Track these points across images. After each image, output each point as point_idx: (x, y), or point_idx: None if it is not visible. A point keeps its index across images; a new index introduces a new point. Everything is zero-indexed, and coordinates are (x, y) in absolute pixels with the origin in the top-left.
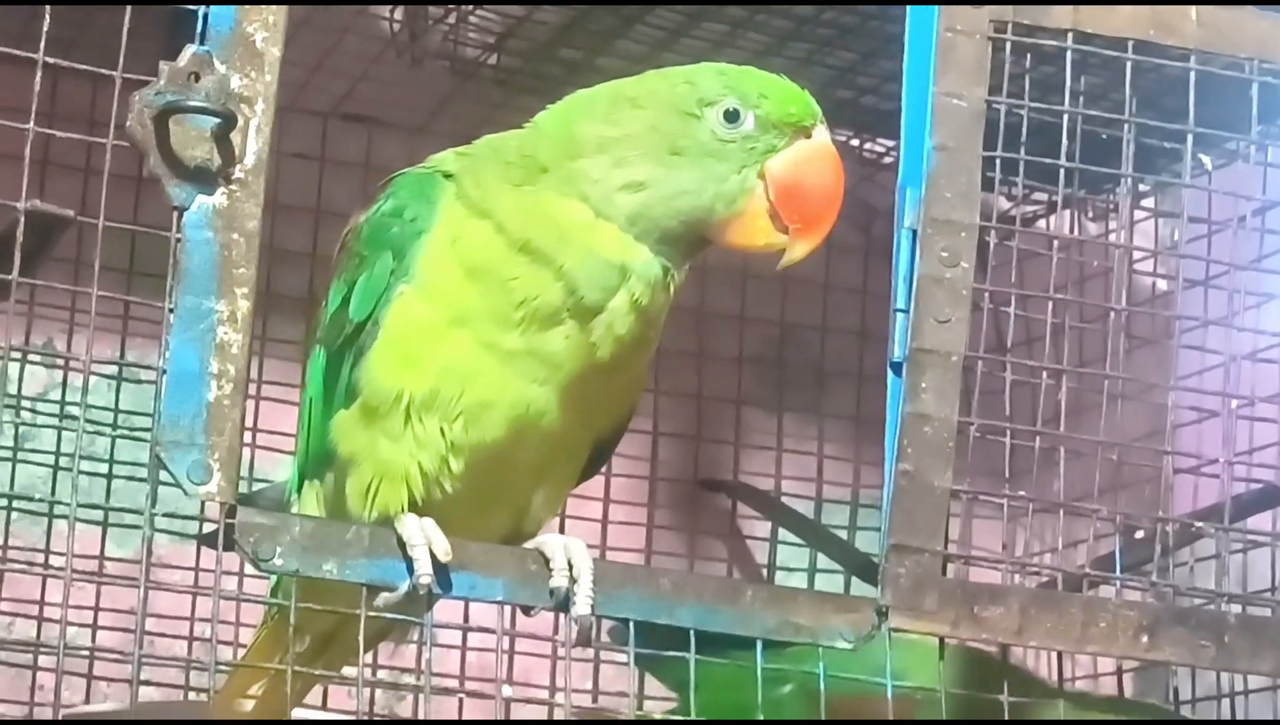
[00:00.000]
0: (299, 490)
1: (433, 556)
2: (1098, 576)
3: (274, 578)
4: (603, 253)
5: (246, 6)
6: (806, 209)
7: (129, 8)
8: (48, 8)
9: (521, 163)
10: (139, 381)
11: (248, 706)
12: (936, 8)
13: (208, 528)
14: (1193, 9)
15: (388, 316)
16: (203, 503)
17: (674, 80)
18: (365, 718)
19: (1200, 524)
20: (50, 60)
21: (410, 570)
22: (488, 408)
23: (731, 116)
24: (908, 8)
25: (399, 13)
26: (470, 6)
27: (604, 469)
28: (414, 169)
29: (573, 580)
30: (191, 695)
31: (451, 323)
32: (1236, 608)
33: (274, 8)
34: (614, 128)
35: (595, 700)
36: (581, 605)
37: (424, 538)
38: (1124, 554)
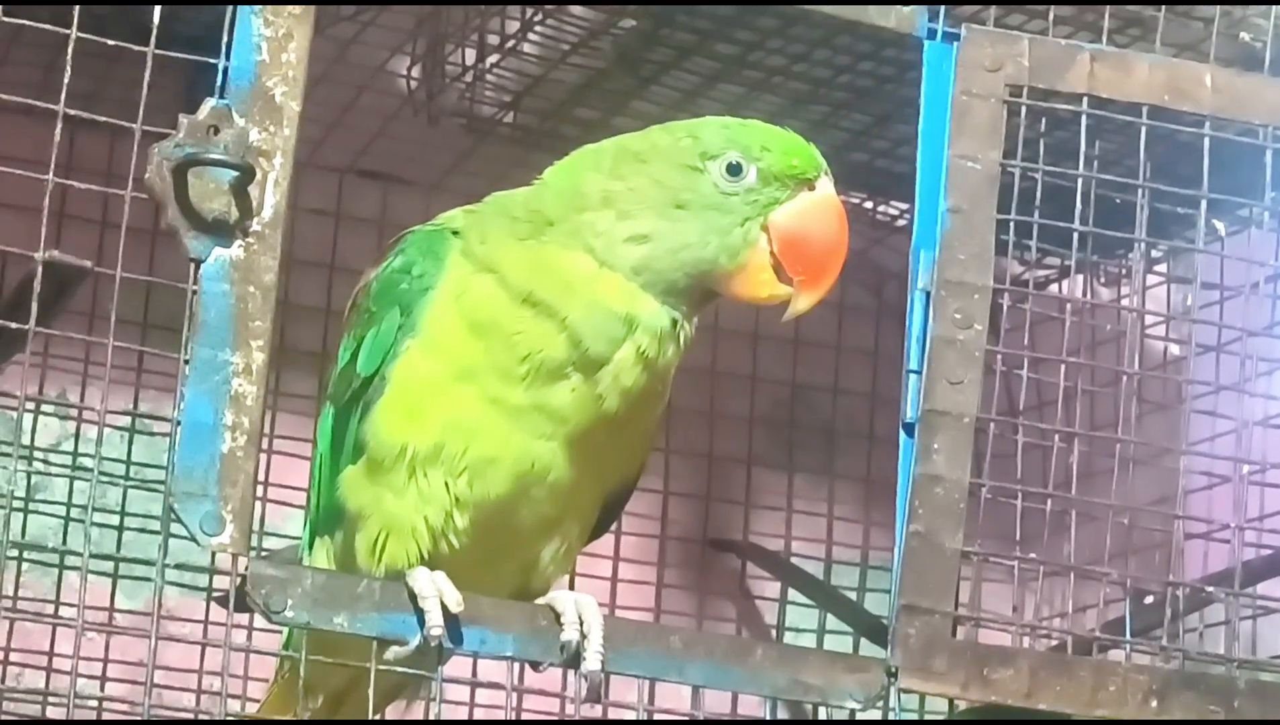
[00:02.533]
0: (310, 548)
1: (444, 609)
2: (1108, 640)
3: (287, 631)
4: (608, 303)
5: (266, 61)
6: (810, 261)
7: (150, 59)
8: (69, 60)
9: (528, 218)
10: (151, 433)
11: None
12: (953, 69)
13: (219, 582)
14: (1208, 75)
15: (394, 371)
16: (213, 554)
17: (677, 134)
18: None
19: (1211, 589)
20: (71, 112)
21: (421, 623)
22: (492, 463)
23: (734, 170)
24: (924, 68)
25: (416, 70)
26: (487, 65)
27: (614, 527)
28: (424, 226)
29: (583, 635)
30: None
31: (457, 378)
32: (1247, 673)
33: (294, 61)
34: (619, 182)
35: None
36: (592, 660)
37: (435, 590)
38: (1134, 618)
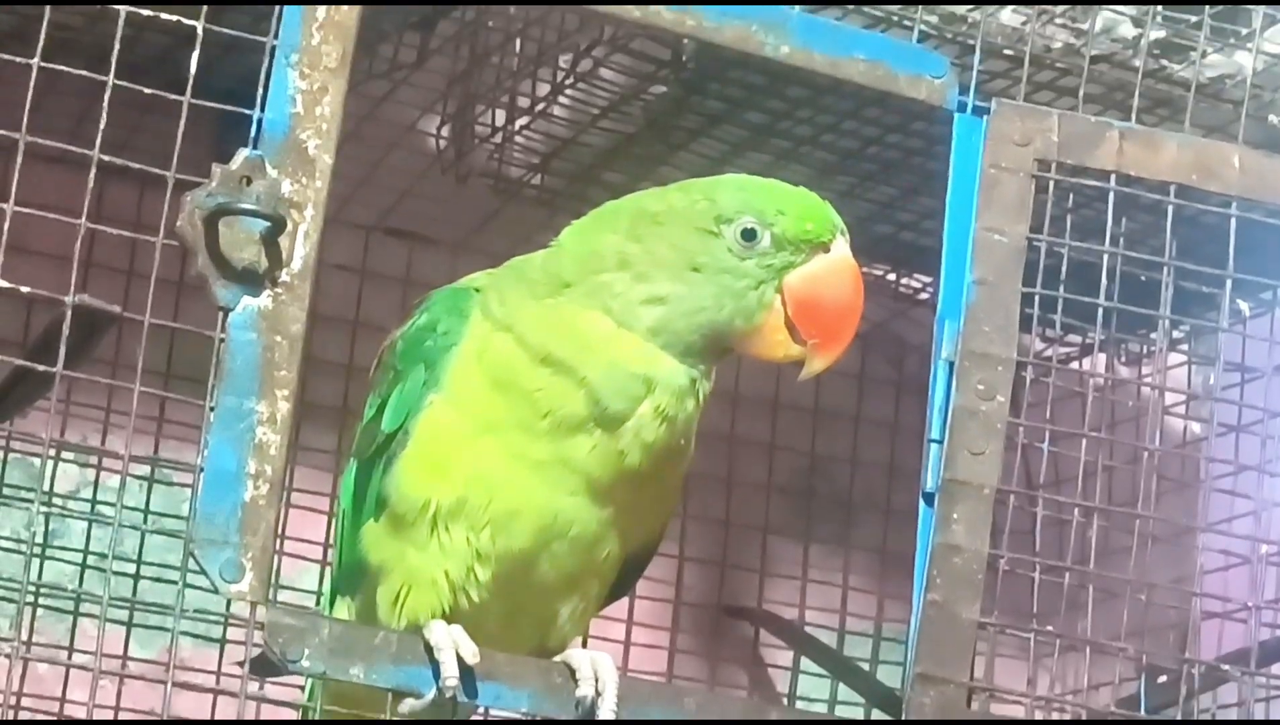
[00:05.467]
0: (331, 607)
1: (460, 663)
2: (1122, 717)
3: (310, 683)
4: (626, 364)
5: (300, 114)
6: (824, 323)
7: (185, 108)
8: (105, 107)
9: (545, 279)
10: (170, 483)
11: None
12: (982, 142)
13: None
14: (1236, 155)
15: (418, 425)
16: (228, 602)
17: (693, 196)
18: None
19: (1226, 668)
20: (105, 158)
21: (437, 676)
22: (515, 517)
23: (749, 235)
24: (954, 140)
25: (446, 130)
26: (516, 126)
27: (629, 591)
28: (449, 287)
29: (598, 693)
30: None
31: (479, 432)
32: None
33: (328, 115)
34: (635, 244)
35: None
36: (605, 714)
37: (451, 641)
38: (1148, 696)
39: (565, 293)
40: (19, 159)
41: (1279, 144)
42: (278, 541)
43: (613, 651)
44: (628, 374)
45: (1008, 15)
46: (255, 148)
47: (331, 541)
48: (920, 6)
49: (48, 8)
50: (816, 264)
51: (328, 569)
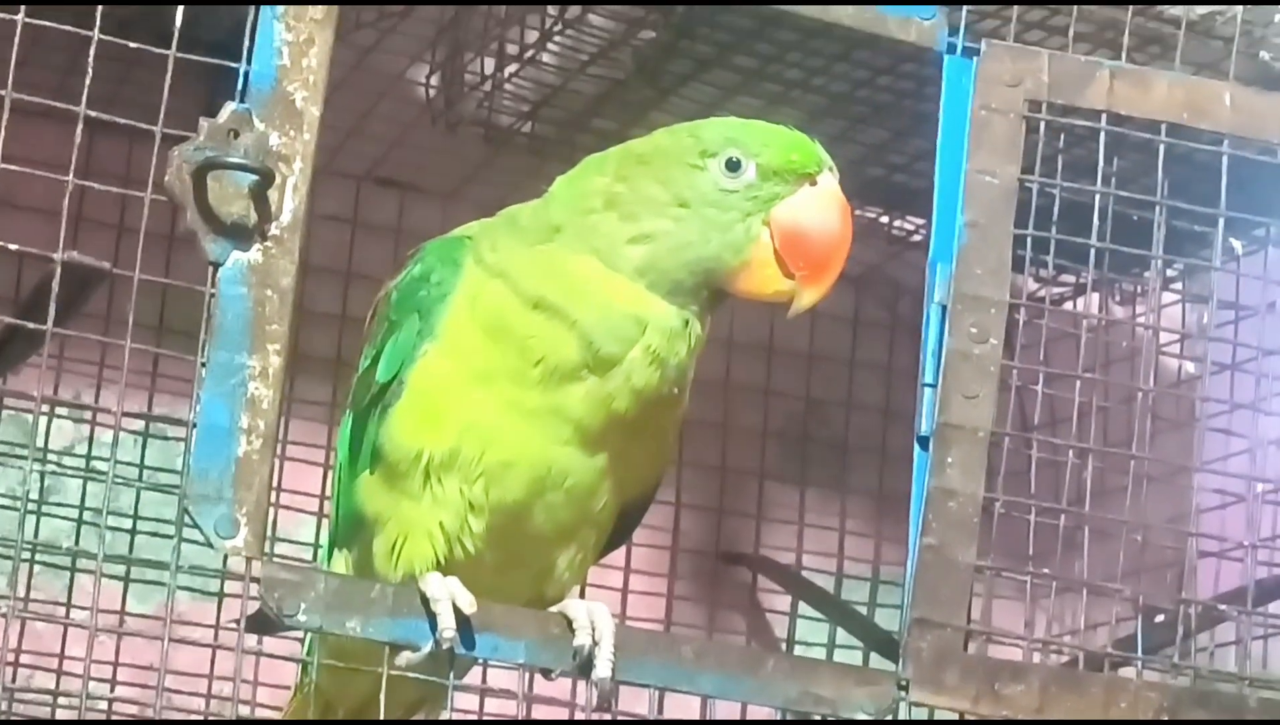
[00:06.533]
0: (329, 561)
1: (457, 615)
2: (1119, 657)
3: (308, 640)
4: (618, 305)
5: (287, 66)
6: (811, 255)
7: (171, 62)
8: (90, 62)
9: (536, 226)
10: (165, 438)
11: None
12: (972, 83)
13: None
14: (1227, 93)
15: (412, 375)
16: (225, 557)
17: (678, 135)
18: None
19: (1223, 607)
20: (91, 114)
21: (434, 629)
22: (509, 467)
23: (733, 166)
24: (944, 82)
25: (435, 79)
26: (506, 74)
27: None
28: (442, 237)
29: (595, 642)
30: None
31: (473, 381)
32: (1258, 692)
33: (315, 66)
34: (622, 184)
35: None
36: (602, 667)
37: (448, 594)
38: (1146, 636)
39: (556, 238)
40: (5, 115)
41: (1270, 81)
42: (274, 494)
43: (610, 599)
44: (620, 315)
45: None
46: (242, 101)
47: (328, 494)
48: None
49: None
50: (803, 195)
51: (324, 521)
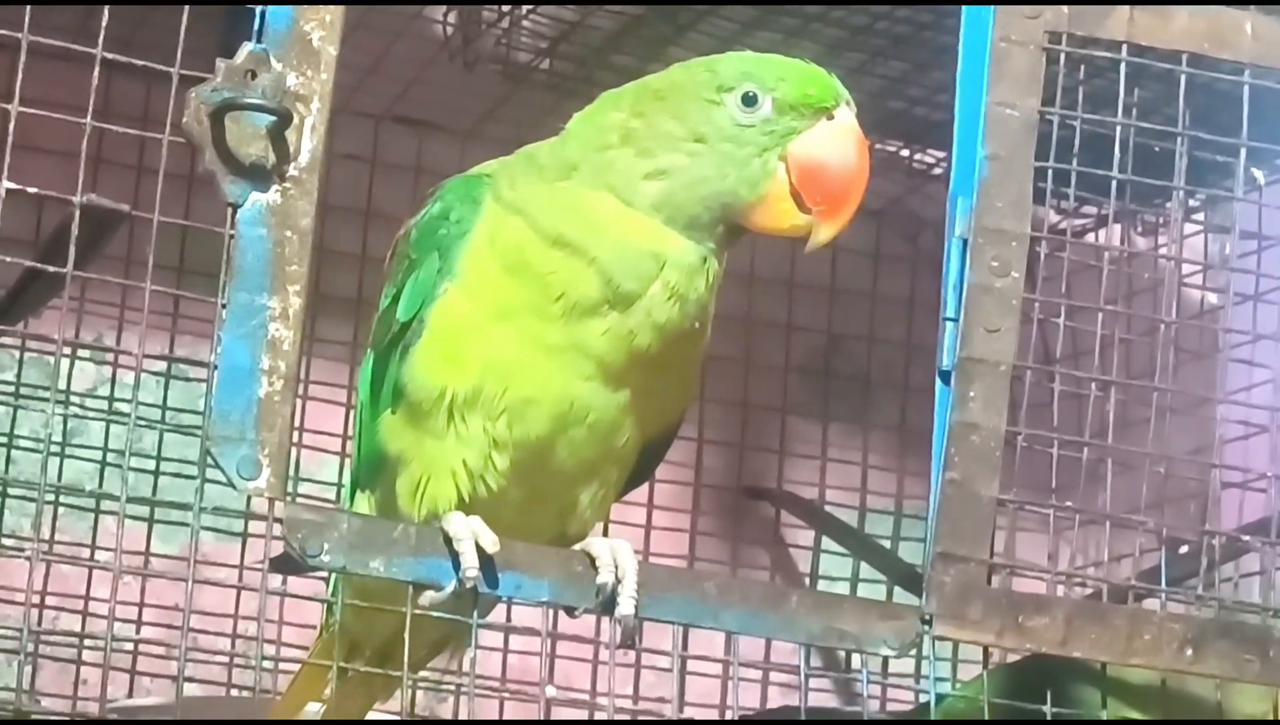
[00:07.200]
0: (351, 501)
1: (480, 553)
2: (1143, 589)
3: (332, 582)
4: (636, 242)
5: (304, 6)
6: (828, 190)
7: (187, 6)
8: (106, 6)
9: (554, 163)
10: (187, 379)
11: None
12: (991, 15)
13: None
14: (1248, 22)
15: (432, 314)
16: (249, 498)
17: (695, 69)
18: (407, 718)
19: (1247, 538)
20: (108, 56)
21: (457, 568)
22: (531, 404)
23: (749, 100)
24: (963, 14)
25: (453, 16)
26: (524, 10)
27: None
28: (461, 175)
29: (618, 579)
30: (234, 692)
31: (494, 318)
32: None
33: (331, 7)
34: (638, 119)
35: (636, 704)
36: (625, 605)
37: (470, 532)
38: (1169, 567)
39: (573, 175)
40: (22, 57)
41: None
42: (296, 434)
43: (634, 535)
44: (638, 252)
45: None
46: (259, 41)
47: (350, 433)
48: None
49: None
50: (820, 130)
51: (347, 461)
